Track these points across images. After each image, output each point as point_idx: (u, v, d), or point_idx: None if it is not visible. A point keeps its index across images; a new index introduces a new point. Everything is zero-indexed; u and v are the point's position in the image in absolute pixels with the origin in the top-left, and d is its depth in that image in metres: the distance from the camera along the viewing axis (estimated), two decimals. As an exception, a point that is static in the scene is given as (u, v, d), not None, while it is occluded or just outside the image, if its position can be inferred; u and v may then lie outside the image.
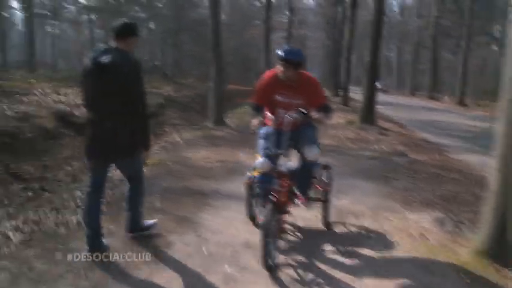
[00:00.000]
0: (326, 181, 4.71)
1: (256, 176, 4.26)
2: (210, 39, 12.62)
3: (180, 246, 4.18)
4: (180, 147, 9.65)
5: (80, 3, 37.68)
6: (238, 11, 46.33)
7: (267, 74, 4.43)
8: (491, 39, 52.65)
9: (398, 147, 10.97)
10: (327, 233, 4.72)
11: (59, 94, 14.82)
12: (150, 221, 4.31)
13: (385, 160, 9.11)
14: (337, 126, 14.49)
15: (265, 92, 4.30)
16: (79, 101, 15.41)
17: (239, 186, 5.23)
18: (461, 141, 13.23)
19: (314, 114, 4.05)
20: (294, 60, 4.00)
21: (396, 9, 59.75)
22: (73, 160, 9.86)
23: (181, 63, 38.83)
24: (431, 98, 42.94)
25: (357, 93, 31.84)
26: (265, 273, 3.64)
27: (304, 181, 4.41)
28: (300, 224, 4.85)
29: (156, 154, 8.39)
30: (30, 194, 6.24)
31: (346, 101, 23.23)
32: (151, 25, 39.05)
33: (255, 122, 4.14)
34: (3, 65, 29.45)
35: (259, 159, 4.04)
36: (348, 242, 4.50)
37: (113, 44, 3.67)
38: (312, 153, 4.08)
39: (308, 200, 4.42)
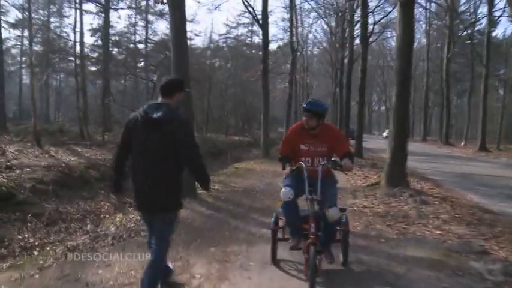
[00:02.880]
0: (344, 222, 4.71)
1: (282, 206, 4.47)
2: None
3: None
4: (103, 245, 5.57)
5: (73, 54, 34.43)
6: (241, 59, 43.22)
7: (294, 125, 4.96)
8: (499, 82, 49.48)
9: (458, 229, 6.81)
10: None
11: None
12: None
13: (457, 269, 4.87)
14: (357, 190, 10.34)
15: (291, 142, 4.71)
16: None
17: None
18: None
19: (345, 163, 4.32)
20: (317, 111, 4.43)
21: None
22: None
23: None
24: (447, 143, 38.75)
25: (368, 142, 27.87)
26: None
27: (328, 239, 4.49)
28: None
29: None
30: None
31: (360, 152, 19.11)
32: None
33: (287, 170, 4.46)
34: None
35: (283, 189, 4.34)
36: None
37: (161, 99, 3.68)
38: (333, 215, 4.14)
39: (333, 259, 4.52)
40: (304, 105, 4.47)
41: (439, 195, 10.11)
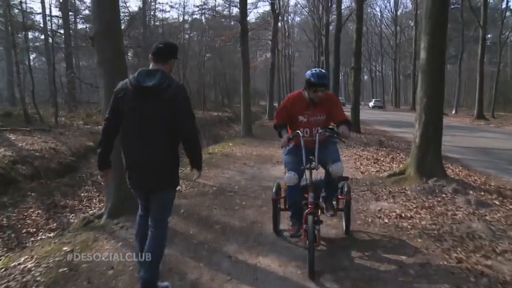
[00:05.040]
0: (346, 191, 4.61)
1: (286, 190, 4.32)
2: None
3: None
4: None
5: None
6: (221, 31, 39.42)
7: (292, 95, 4.54)
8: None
9: None
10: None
11: None
12: (164, 283, 3.50)
13: None
14: (375, 183, 7.29)
15: (287, 113, 4.36)
16: None
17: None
18: None
19: (342, 131, 4.11)
20: (326, 84, 4.18)
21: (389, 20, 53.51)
22: None
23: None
24: (438, 112, 35.98)
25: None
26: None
27: (331, 194, 4.52)
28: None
29: None
30: None
31: (357, 125, 16.06)
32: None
33: (285, 139, 4.16)
34: None
35: (287, 174, 4.13)
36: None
37: (153, 65, 3.20)
38: (337, 170, 4.10)
39: (335, 211, 4.56)
40: (315, 80, 4.09)
41: (488, 186, 7.19)
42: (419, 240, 4.54)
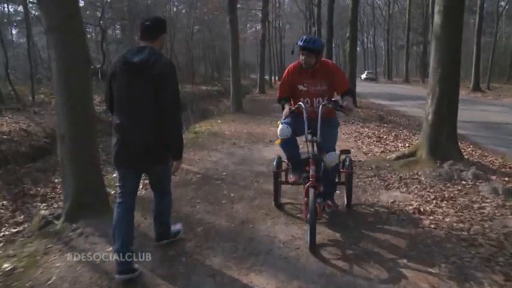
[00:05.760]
0: (347, 164, 4.48)
1: (280, 144, 4.17)
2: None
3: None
4: None
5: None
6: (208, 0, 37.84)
7: (291, 65, 4.35)
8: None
9: None
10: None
11: None
12: (177, 226, 3.82)
13: None
14: (382, 166, 6.38)
15: (288, 84, 4.28)
16: None
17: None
18: None
19: (346, 104, 3.91)
20: (314, 48, 3.94)
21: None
22: None
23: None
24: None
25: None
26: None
27: (329, 188, 4.34)
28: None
29: None
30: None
31: (354, 100, 15.07)
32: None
33: (286, 110, 4.04)
34: None
35: (280, 126, 3.98)
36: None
37: (142, 43, 3.06)
38: (331, 161, 3.91)
39: (336, 206, 4.44)
40: (301, 43, 3.95)
41: (509, 169, 6.33)
42: (448, 245, 3.65)
